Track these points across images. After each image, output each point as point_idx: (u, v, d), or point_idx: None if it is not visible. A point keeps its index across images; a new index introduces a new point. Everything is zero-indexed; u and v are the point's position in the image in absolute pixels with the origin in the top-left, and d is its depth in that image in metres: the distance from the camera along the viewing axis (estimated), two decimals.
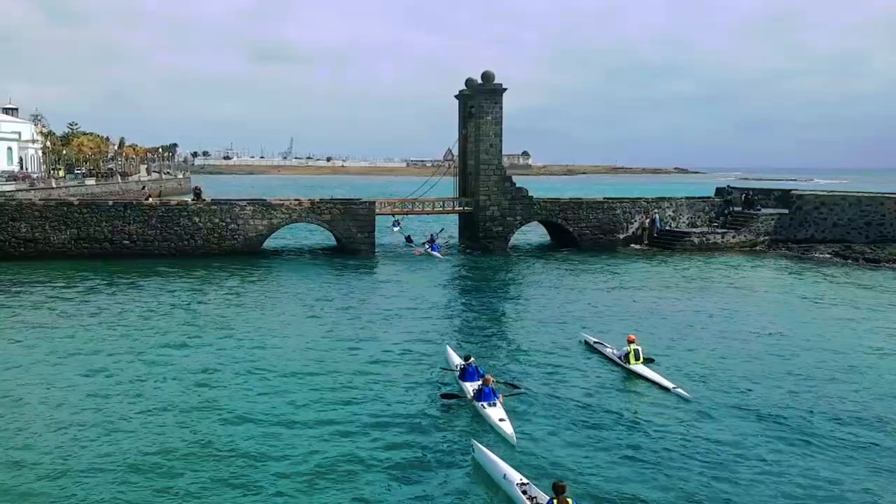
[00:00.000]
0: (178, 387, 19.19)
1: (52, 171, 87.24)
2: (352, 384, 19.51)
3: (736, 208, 52.87)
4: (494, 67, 60.58)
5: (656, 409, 17.91)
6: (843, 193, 51.80)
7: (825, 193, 51.99)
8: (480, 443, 14.84)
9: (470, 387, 17.98)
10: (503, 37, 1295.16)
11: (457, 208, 49.87)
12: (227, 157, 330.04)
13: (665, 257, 45.29)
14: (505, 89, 47.30)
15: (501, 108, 47.54)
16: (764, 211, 51.48)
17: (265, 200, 45.13)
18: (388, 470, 14.34)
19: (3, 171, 76.68)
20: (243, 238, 43.05)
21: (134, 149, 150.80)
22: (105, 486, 13.57)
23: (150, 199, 46.67)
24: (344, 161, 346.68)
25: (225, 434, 16.02)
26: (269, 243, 45.55)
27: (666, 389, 19.00)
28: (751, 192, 55.81)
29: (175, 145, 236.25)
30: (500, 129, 47.68)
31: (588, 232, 49.72)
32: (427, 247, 47.08)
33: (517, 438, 15.49)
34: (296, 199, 45.23)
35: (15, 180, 66.91)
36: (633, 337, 21.50)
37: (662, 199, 53.21)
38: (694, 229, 50.59)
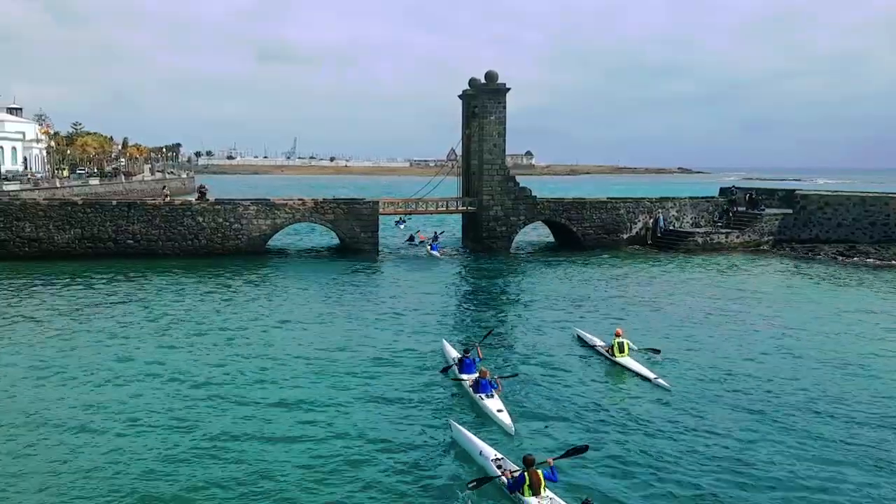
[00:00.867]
0: (181, 386, 19.19)
1: (56, 171, 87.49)
2: (352, 383, 19.54)
3: (740, 208, 52.82)
4: (494, 67, 60.73)
5: (637, 398, 18.78)
6: (847, 193, 51.66)
7: (829, 193, 51.85)
8: (478, 432, 15.29)
9: (468, 379, 18.58)
10: (503, 37, 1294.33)
11: (460, 208, 49.84)
12: (230, 157, 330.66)
13: (669, 257, 45.23)
14: (508, 89, 47.26)
15: (505, 108, 47.49)
16: (768, 211, 51.41)
17: (269, 200, 45.17)
18: (379, 453, 15.01)
19: (7, 171, 76.93)
20: (247, 238, 43.10)
21: (138, 148, 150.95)
22: (104, 481, 13.61)
23: (169, 198, 46.96)
24: (347, 161, 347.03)
25: (227, 432, 16.03)
26: (273, 243, 45.60)
27: (648, 380, 19.93)
28: (754, 192, 55.76)
29: (179, 145, 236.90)
30: (504, 128, 47.63)
31: (592, 232, 49.68)
32: (428, 245, 47.26)
33: (515, 430, 16.04)
34: (299, 199, 45.27)
35: (19, 180, 67.16)
36: (619, 331, 22.35)
37: (666, 199, 53.13)
38: (698, 229, 50.52)
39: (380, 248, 45.61)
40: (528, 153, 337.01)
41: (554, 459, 13.08)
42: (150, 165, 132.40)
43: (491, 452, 13.97)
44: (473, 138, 49.38)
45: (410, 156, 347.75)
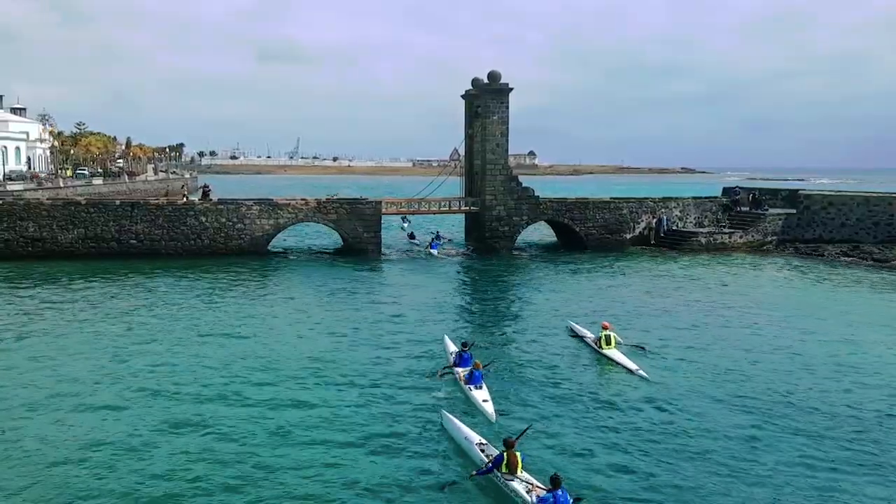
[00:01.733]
0: (182, 386, 19.19)
1: (59, 171, 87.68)
2: (353, 383, 19.55)
3: (743, 208, 52.73)
4: (495, 67, 60.49)
5: (620, 388, 19.81)
6: (851, 193, 51.57)
7: (833, 193, 51.75)
8: (469, 420, 16.38)
9: (462, 371, 19.67)
10: (503, 37, 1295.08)
11: (463, 208, 49.82)
12: (233, 157, 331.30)
13: (672, 257, 45.17)
14: (511, 89, 47.22)
15: (508, 108, 47.45)
16: (771, 211, 51.34)
17: (271, 200, 45.19)
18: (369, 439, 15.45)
19: (11, 171, 77.11)
20: (250, 238, 43.13)
21: (141, 148, 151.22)
22: (104, 481, 13.62)
23: (186, 198, 47.21)
24: (350, 161, 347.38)
25: (227, 432, 16.05)
26: (276, 243, 45.63)
27: (630, 371, 20.90)
28: (757, 192, 55.66)
29: (182, 145, 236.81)
30: (507, 128, 47.60)
31: (595, 232, 49.62)
32: (428, 244, 47.39)
33: (496, 417, 17.19)
34: (302, 199, 45.28)
35: (23, 180, 67.30)
36: (606, 324, 23.47)
37: (669, 198, 53.06)
38: (701, 229, 50.45)
39: (382, 248, 45.59)
40: (531, 153, 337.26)
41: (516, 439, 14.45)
42: (153, 165, 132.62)
43: (475, 437, 15.17)
44: (476, 138, 49.36)
45: (412, 156, 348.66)
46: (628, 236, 50.35)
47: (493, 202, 47.73)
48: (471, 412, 17.46)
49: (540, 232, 56.32)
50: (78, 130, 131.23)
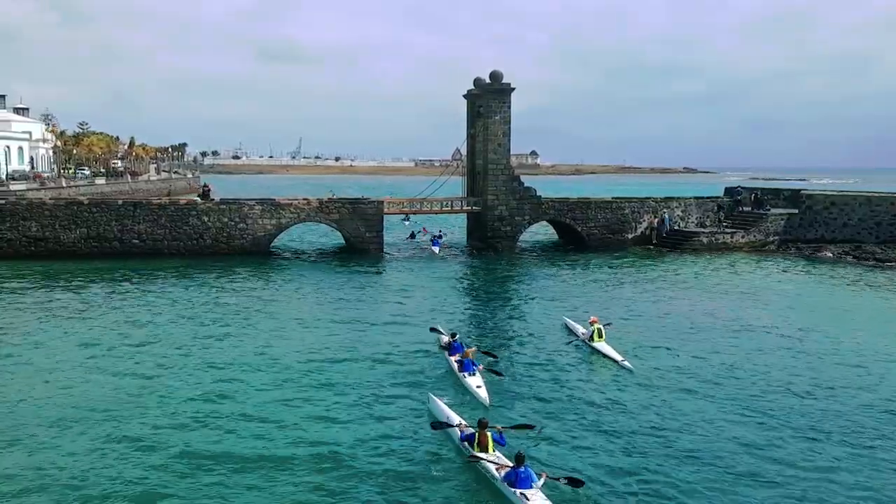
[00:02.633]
0: (184, 386, 19.26)
1: (62, 171, 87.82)
2: (355, 379, 19.63)
3: (745, 208, 52.69)
4: (495, 67, 60.45)
5: (606, 378, 20.64)
6: (853, 193, 51.50)
7: (835, 193, 51.68)
8: (460, 405, 17.43)
9: (454, 359, 20.67)
10: (503, 37, 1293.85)
11: (465, 208, 49.83)
12: (236, 157, 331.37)
13: (673, 257, 45.17)
14: (513, 89, 47.22)
15: (510, 108, 47.47)
16: (773, 211, 51.27)
17: (273, 200, 45.24)
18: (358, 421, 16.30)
19: (14, 171, 77.21)
20: (252, 237, 43.19)
21: (144, 148, 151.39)
22: (102, 481, 13.69)
23: (207, 194, 47.80)
24: (352, 161, 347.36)
25: (227, 430, 16.12)
26: (278, 243, 45.69)
27: (616, 362, 21.76)
28: (759, 192, 55.59)
29: (184, 145, 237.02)
30: (509, 128, 47.60)
31: (596, 232, 49.62)
32: (430, 242, 47.64)
33: (490, 402, 18.01)
34: (304, 199, 45.33)
35: (26, 179, 67.43)
36: (594, 318, 24.27)
37: (671, 198, 53.05)
38: (703, 229, 50.42)
39: (385, 248, 45.64)
40: (533, 153, 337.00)
41: (503, 428, 15.41)
42: (155, 165, 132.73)
43: (456, 418, 16.15)
44: (478, 138, 49.36)
45: (414, 155, 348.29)
46: (630, 236, 50.35)
47: (495, 202, 47.75)
48: (460, 397, 18.41)
49: (542, 232, 56.35)
50: (80, 130, 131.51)
